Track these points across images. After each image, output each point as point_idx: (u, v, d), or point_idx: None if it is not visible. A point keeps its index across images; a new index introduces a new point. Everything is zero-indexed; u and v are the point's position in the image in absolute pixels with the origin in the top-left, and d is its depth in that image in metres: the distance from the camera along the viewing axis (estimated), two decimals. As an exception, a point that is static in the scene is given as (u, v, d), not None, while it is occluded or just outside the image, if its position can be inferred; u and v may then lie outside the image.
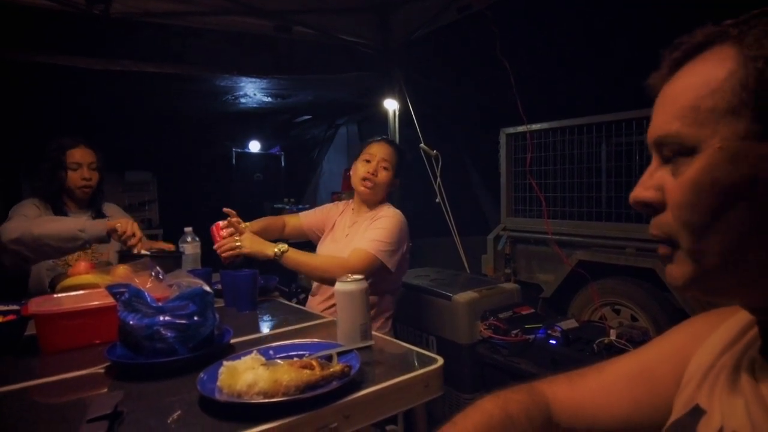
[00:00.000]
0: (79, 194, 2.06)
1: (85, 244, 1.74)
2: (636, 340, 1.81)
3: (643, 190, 0.51)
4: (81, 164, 2.03)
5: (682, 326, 0.67)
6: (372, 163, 1.91)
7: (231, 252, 1.70)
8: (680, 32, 0.50)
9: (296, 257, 1.70)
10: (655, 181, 0.50)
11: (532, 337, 1.95)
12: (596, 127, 3.06)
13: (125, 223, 1.75)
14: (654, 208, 0.50)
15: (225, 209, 1.81)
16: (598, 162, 3.16)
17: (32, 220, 1.82)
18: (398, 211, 1.92)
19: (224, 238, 1.76)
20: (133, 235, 1.73)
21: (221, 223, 1.81)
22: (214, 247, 1.77)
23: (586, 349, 1.77)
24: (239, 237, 1.73)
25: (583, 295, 2.93)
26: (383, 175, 1.92)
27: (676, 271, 0.49)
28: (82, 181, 2.03)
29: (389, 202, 2.01)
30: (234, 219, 1.80)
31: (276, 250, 1.69)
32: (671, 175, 0.48)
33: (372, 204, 1.98)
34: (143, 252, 1.73)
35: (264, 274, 1.70)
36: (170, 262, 1.67)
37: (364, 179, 1.90)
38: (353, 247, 1.76)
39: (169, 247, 2.09)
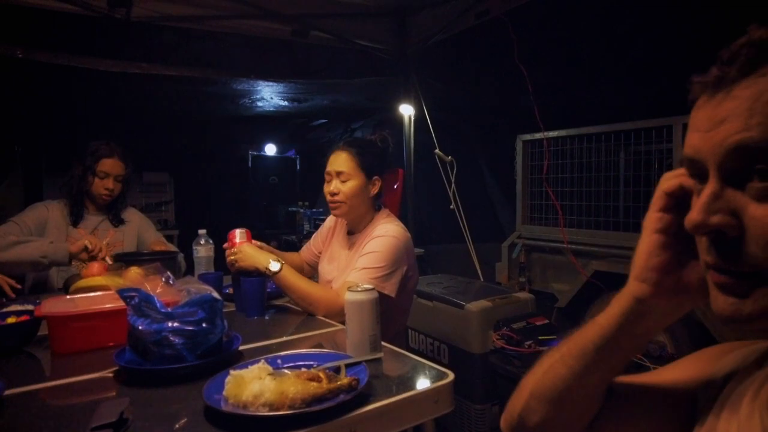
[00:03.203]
0: (99, 201, 2.16)
1: (49, 267, 1.88)
2: (652, 354, 1.77)
3: (709, 215, 0.42)
4: (109, 174, 2.12)
5: (700, 353, 0.65)
6: (331, 182, 1.72)
7: (231, 267, 1.64)
8: (701, 41, 0.46)
9: (287, 282, 1.57)
10: (724, 204, 0.42)
11: (545, 348, 1.90)
12: (614, 136, 3.00)
13: (93, 242, 1.90)
14: (725, 235, 0.42)
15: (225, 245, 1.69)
16: (615, 171, 3.10)
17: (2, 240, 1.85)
18: (396, 225, 1.70)
19: (227, 249, 1.68)
20: (101, 250, 1.89)
21: (236, 231, 1.71)
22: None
23: (601, 363, 1.73)
24: (236, 249, 1.62)
25: (599, 306, 2.87)
26: (347, 189, 1.69)
27: (751, 306, 0.42)
28: (104, 190, 2.13)
29: (387, 209, 1.81)
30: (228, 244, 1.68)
31: (269, 267, 1.56)
32: (754, 199, 0.41)
33: (358, 222, 1.77)
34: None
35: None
36: (163, 263, 1.67)
37: (330, 203, 1.73)
38: (347, 275, 1.61)
39: (170, 248, 2.22)
